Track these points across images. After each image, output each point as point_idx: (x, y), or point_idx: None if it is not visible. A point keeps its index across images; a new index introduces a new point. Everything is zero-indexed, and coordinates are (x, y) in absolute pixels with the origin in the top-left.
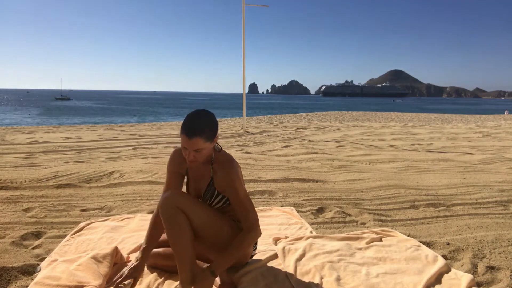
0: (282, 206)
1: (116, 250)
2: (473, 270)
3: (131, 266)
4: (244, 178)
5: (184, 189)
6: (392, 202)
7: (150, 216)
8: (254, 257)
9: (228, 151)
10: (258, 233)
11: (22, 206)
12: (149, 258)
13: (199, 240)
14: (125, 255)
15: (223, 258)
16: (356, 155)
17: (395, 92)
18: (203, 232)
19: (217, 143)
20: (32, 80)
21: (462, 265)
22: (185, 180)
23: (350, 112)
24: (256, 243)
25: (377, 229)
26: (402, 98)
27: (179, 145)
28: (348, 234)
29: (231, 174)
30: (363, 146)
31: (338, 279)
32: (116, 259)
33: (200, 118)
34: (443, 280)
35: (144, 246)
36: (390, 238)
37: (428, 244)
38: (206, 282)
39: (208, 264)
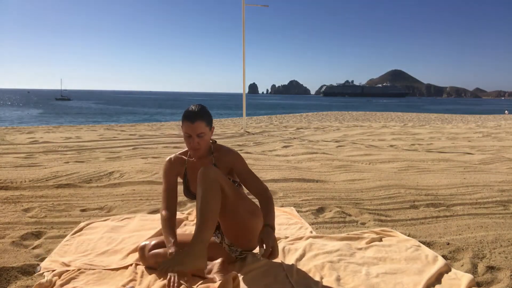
0: (282, 206)
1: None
2: (473, 270)
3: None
4: None
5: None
6: (392, 202)
7: (150, 216)
8: (254, 257)
9: None
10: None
11: (22, 206)
12: (149, 258)
13: (225, 214)
14: (125, 255)
15: (270, 215)
16: (356, 155)
17: (396, 92)
18: (231, 205)
19: (212, 139)
20: (33, 80)
21: (462, 265)
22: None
23: (350, 112)
24: None
25: (377, 229)
26: (386, 98)
27: (176, 150)
28: (348, 234)
29: (234, 154)
30: (363, 146)
31: (338, 279)
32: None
33: (197, 106)
34: (443, 280)
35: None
36: (390, 238)
37: (428, 244)
38: (272, 235)
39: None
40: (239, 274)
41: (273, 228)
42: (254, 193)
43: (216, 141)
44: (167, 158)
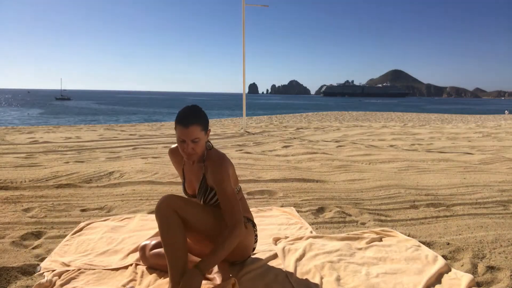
0: (282, 206)
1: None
2: (473, 270)
3: None
4: (244, 178)
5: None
6: (392, 202)
7: (150, 216)
8: (254, 257)
9: (228, 151)
10: (242, 231)
11: (22, 206)
12: (149, 258)
13: (195, 236)
14: (125, 255)
15: (211, 258)
16: (356, 155)
17: (396, 92)
18: (200, 230)
19: (208, 140)
20: (33, 80)
21: (462, 265)
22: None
23: (350, 112)
24: (256, 236)
25: (377, 229)
26: (386, 98)
27: (174, 145)
28: (348, 234)
29: (221, 171)
30: (363, 146)
31: (338, 279)
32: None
33: (192, 109)
34: (443, 280)
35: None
36: (390, 238)
37: (428, 244)
38: (194, 279)
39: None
40: (237, 280)
41: (203, 272)
42: (225, 221)
43: (212, 146)
44: (168, 149)
